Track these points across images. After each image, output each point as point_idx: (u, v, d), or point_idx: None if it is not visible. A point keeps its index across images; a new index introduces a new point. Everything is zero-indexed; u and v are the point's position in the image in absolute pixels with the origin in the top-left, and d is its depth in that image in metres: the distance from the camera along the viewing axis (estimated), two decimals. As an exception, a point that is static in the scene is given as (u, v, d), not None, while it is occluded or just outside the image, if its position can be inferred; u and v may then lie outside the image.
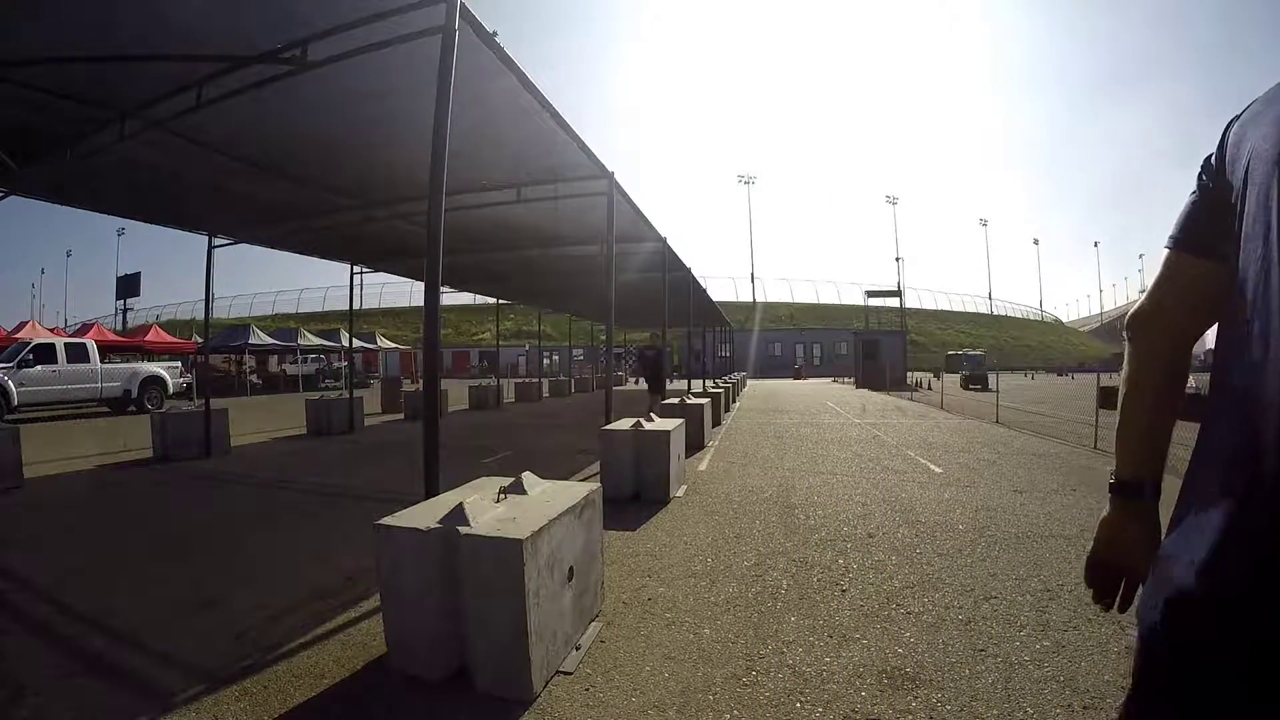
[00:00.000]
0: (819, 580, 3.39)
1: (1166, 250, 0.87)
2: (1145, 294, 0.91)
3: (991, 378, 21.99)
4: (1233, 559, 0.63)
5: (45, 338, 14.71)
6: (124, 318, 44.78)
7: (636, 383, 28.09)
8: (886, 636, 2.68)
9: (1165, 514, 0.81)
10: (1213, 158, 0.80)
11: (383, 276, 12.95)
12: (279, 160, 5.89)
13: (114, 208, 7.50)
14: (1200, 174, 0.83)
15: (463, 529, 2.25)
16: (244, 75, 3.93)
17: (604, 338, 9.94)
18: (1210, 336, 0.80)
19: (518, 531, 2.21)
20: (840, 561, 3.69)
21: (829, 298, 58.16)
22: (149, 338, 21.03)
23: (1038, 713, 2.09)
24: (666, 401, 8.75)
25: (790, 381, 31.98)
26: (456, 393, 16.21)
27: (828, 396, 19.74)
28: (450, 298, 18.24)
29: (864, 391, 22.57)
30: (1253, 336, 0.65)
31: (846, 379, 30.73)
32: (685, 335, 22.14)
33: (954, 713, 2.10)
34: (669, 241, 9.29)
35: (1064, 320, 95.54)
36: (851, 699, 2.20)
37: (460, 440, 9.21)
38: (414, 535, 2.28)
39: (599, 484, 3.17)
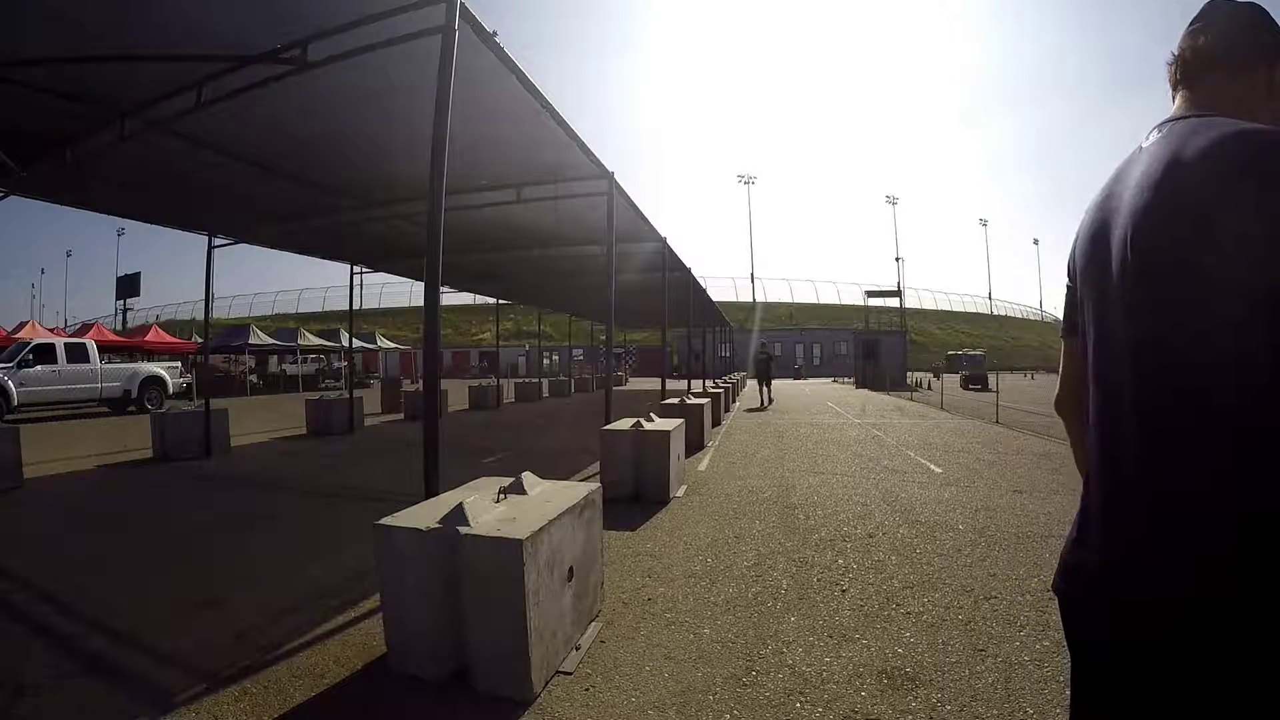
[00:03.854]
0: (819, 580, 3.39)
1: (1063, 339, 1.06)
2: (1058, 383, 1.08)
3: (991, 378, 21.98)
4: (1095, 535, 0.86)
5: (45, 338, 14.71)
6: (124, 318, 44.75)
7: (625, 382, 28.29)
8: (886, 636, 2.69)
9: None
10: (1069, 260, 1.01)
11: (383, 276, 12.96)
12: (279, 160, 5.89)
13: (114, 208, 7.50)
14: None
15: (463, 529, 2.25)
16: (244, 75, 3.93)
17: (604, 338, 9.94)
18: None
19: (517, 531, 2.21)
20: (840, 561, 3.69)
21: (829, 298, 58.14)
22: (149, 338, 21.01)
23: (1038, 713, 2.09)
24: (666, 401, 8.76)
25: (790, 381, 31.96)
26: (456, 393, 16.21)
27: (827, 396, 19.73)
28: (450, 298, 18.19)
29: (864, 391, 22.57)
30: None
31: (846, 379, 30.74)
32: (685, 335, 22.15)
33: (954, 713, 2.10)
34: (669, 241, 9.30)
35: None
36: (851, 699, 2.20)
37: (460, 440, 9.20)
38: (414, 535, 2.28)
39: (599, 484, 3.17)
